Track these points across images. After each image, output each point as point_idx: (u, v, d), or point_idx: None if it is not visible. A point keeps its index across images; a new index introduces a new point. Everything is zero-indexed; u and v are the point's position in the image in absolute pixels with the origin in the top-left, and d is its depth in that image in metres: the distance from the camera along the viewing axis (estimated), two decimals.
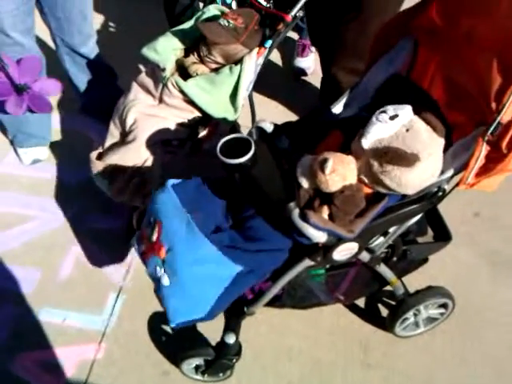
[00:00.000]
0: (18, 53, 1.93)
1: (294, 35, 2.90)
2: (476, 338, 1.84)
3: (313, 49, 2.82)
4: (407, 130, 1.21)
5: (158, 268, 1.35)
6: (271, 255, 1.37)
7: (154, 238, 1.36)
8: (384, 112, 1.22)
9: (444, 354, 1.79)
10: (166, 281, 1.33)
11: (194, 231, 1.30)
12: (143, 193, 1.86)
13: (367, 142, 1.22)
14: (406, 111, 1.23)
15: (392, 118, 1.21)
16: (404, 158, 1.17)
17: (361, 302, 1.90)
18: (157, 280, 1.36)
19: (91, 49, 2.33)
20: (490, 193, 2.10)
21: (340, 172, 1.21)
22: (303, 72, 2.83)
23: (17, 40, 1.97)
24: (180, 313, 1.36)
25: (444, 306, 1.73)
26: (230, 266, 1.30)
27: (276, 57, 2.93)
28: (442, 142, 1.24)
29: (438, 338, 1.82)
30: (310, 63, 2.83)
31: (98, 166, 1.87)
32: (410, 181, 1.20)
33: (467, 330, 1.85)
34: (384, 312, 1.89)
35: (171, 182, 1.39)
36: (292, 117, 2.59)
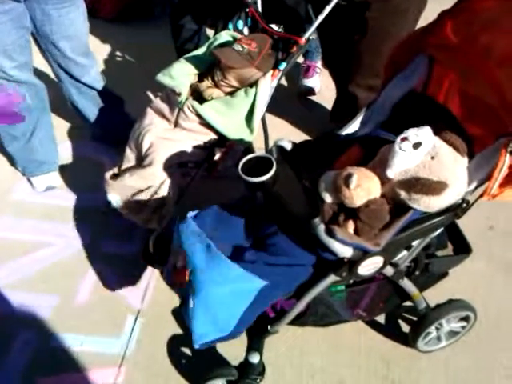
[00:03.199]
0: (14, 87, 2.03)
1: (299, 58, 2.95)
2: (497, 349, 1.83)
3: (317, 70, 2.87)
4: (432, 158, 1.24)
5: (183, 291, 1.41)
6: (295, 269, 1.39)
7: (179, 264, 1.44)
8: (406, 139, 1.24)
9: (467, 366, 1.79)
10: (190, 303, 1.36)
11: (214, 253, 1.35)
12: (159, 215, 1.88)
13: (392, 173, 1.25)
14: (427, 136, 1.24)
15: (415, 146, 1.23)
16: (433, 188, 1.20)
17: (381, 318, 1.90)
18: (183, 302, 1.42)
19: (93, 78, 2.34)
20: (503, 206, 2.13)
21: (365, 187, 1.23)
22: (311, 91, 2.87)
23: (12, 75, 2.01)
24: (204, 333, 1.39)
25: (465, 319, 1.74)
26: (255, 280, 1.35)
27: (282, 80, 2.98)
28: (465, 161, 1.26)
29: (459, 351, 1.81)
30: (317, 83, 2.89)
31: (113, 187, 1.89)
32: (437, 204, 1.24)
33: (488, 342, 1.85)
34: (404, 327, 1.88)
35: (191, 213, 1.46)
36: (303, 136, 2.63)
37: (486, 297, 1.96)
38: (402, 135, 1.25)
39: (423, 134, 1.24)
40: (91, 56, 2.31)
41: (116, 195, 1.89)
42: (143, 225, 1.94)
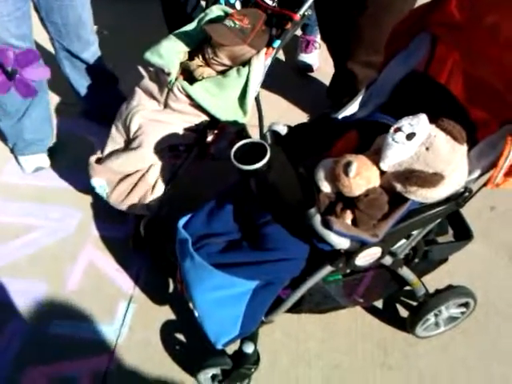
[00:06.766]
0: None
1: (297, 31, 2.84)
2: (496, 334, 1.80)
3: (317, 45, 2.77)
4: (427, 149, 1.18)
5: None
6: (287, 265, 1.35)
7: (178, 276, 1.49)
8: (400, 130, 1.18)
9: (465, 352, 1.76)
10: (195, 312, 1.42)
11: (198, 263, 1.35)
12: (146, 200, 1.81)
13: (386, 166, 1.20)
14: (422, 125, 1.18)
15: (409, 137, 1.17)
16: (428, 181, 1.15)
17: (378, 304, 1.86)
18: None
19: (92, 54, 2.28)
20: None
21: (364, 175, 1.18)
22: (309, 68, 2.77)
23: (13, 45, 1.89)
24: (218, 336, 1.42)
25: (465, 305, 1.70)
26: (243, 283, 1.34)
27: (279, 53, 2.89)
28: (464, 149, 1.20)
29: (457, 336, 1.78)
30: (315, 59, 2.78)
31: (97, 171, 1.82)
32: (436, 196, 1.19)
33: (487, 327, 1.81)
34: (402, 312, 1.85)
35: (182, 222, 1.43)
36: (299, 114, 2.55)
37: (486, 281, 1.92)
38: (396, 125, 1.19)
39: (418, 123, 1.18)
40: (93, 31, 2.23)
41: (101, 179, 1.82)
42: (130, 212, 1.87)
